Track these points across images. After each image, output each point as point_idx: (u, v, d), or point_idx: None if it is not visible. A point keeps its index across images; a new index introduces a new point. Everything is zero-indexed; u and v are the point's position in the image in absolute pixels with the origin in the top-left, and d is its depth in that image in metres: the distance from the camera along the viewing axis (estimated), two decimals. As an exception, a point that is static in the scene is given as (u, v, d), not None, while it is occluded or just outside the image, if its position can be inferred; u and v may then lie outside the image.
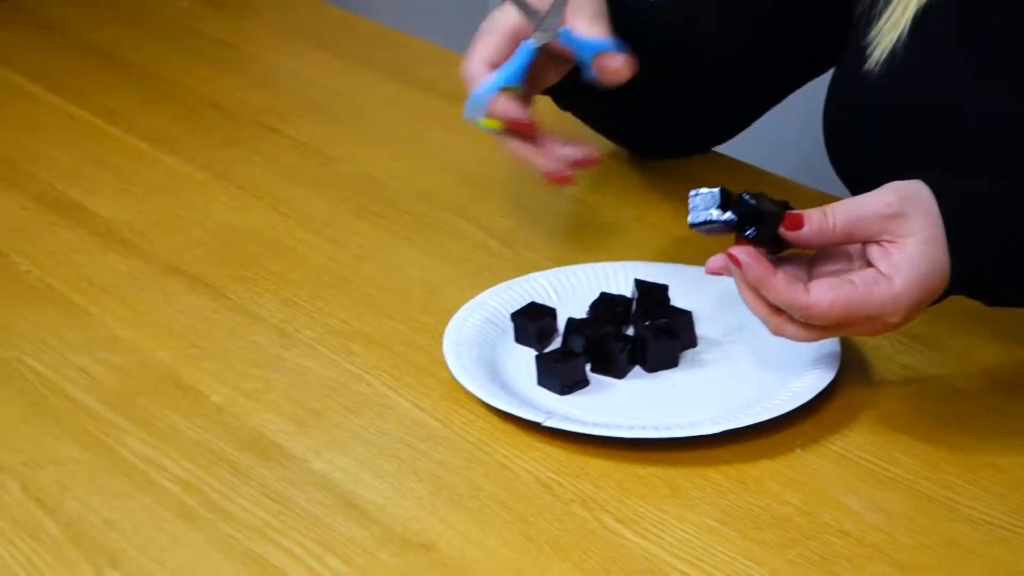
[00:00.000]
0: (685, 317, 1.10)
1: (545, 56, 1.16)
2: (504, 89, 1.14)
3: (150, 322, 1.15)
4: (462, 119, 1.48)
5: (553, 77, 1.19)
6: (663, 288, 1.12)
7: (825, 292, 0.97)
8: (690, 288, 1.14)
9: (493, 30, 1.16)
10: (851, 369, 1.07)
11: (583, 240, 1.26)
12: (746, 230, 0.98)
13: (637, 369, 1.07)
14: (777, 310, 0.99)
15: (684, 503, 0.96)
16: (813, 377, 1.03)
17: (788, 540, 0.92)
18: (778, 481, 0.97)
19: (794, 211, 0.98)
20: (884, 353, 1.09)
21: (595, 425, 1.00)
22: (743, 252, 0.98)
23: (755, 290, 0.99)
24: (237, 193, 1.35)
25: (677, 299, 1.12)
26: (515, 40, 1.15)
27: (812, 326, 0.99)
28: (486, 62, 1.15)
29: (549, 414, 1.01)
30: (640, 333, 1.08)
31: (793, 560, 0.91)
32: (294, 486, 0.97)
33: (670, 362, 1.07)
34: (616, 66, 1.13)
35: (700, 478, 0.98)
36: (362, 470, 0.99)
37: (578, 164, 1.16)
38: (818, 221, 0.98)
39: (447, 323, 1.11)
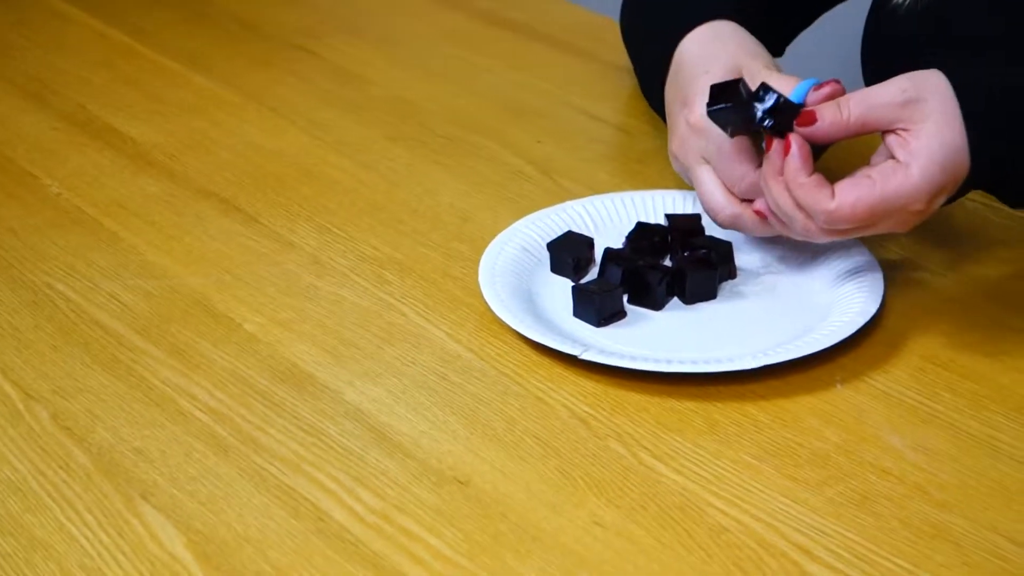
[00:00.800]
0: (724, 247, 1.08)
1: None
2: None
3: (182, 247, 1.14)
4: (495, 41, 1.46)
5: None
6: (696, 218, 1.10)
7: (848, 193, 0.97)
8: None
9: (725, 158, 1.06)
10: (894, 303, 1.05)
11: (621, 167, 1.24)
12: (764, 120, 0.99)
13: (675, 301, 1.05)
14: (803, 211, 0.99)
15: (721, 439, 0.94)
16: (855, 311, 1.01)
17: (827, 477, 0.91)
18: (818, 417, 0.96)
19: (808, 107, 0.99)
20: (928, 286, 1.07)
21: (632, 359, 0.98)
22: (796, 139, 0.98)
23: (784, 183, 0.99)
24: (269, 115, 1.33)
25: (714, 227, 1.10)
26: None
27: (838, 232, 0.99)
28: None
29: (586, 347, 0.99)
30: (678, 264, 1.06)
31: (832, 498, 0.89)
32: (327, 418, 0.96)
33: (709, 294, 1.05)
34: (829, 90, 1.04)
35: (738, 413, 0.96)
36: (396, 402, 0.97)
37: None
38: (831, 114, 0.98)
39: (482, 251, 1.10)
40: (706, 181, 1.06)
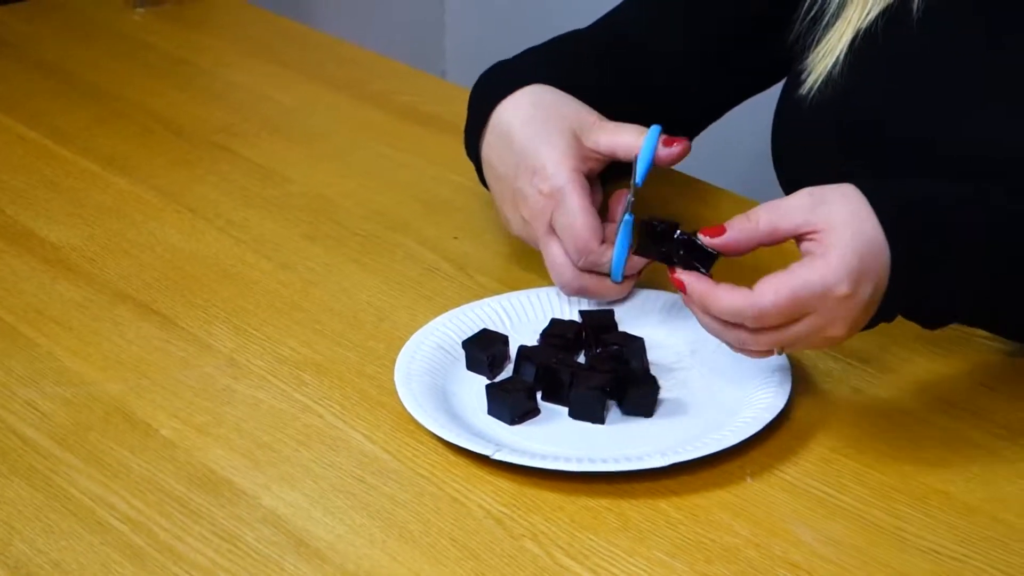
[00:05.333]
0: (636, 343, 1.09)
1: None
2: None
3: (100, 353, 1.15)
4: (413, 136, 1.48)
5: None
6: (609, 313, 1.12)
7: (767, 284, 0.98)
8: (642, 311, 1.14)
9: (581, 222, 1.12)
10: (802, 395, 1.07)
11: (535, 262, 1.25)
12: (678, 252, 1.02)
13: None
14: (732, 324, 1.00)
15: (635, 536, 0.95)
16: (763, 407, 1.03)
17: (738, 573, 0.92)
18: (728, 512, 0.97)
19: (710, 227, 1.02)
20: (835, 377, 1.09)
21: (543, 458, 0.99)
22: (684, 274, 1.01)
23: (705, 309, 1.00)
24: (188, 216, 1.34)
25: (628, 323, 1.12)
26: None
27: (769, 330, 0.99)
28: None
29: (499, 446, 1.01)
30: (621, 378, 1.06)
31: (743, 594, 0.91)
32: (244, 524, 0.97)
33: (647, 410, 1.05)
34: (680, 149, 1.13)
35: (650, 509, 0.98)
36: (313, 506, 0.98)
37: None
38: (739, 222, 1.00)
39: (398, 349, 1.11)
40: (557, 255, 1.13)
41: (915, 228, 1.00)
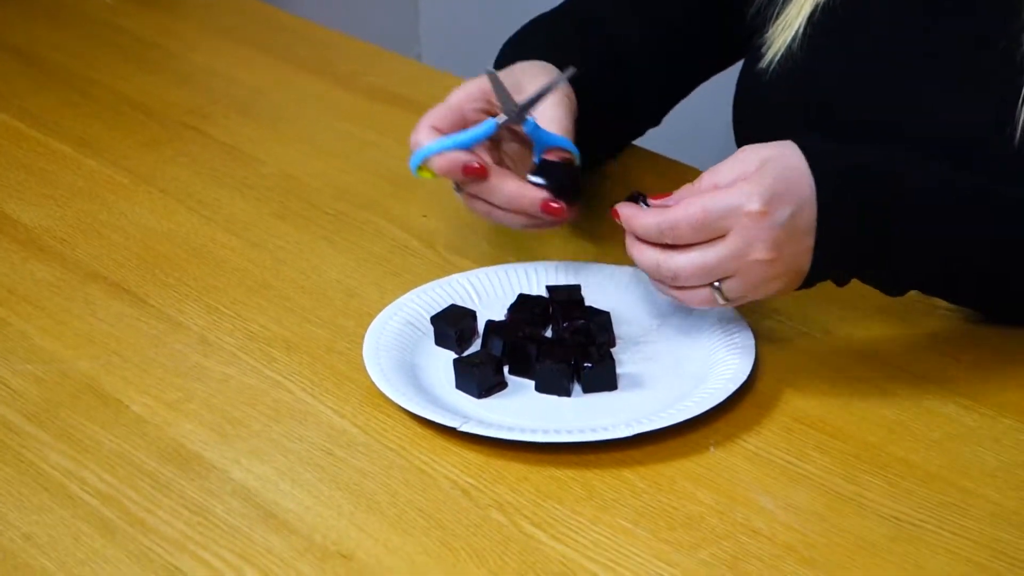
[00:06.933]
0: (603, 317, 1.11)
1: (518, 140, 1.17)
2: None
3: (71, 331, 1.15)
4: (383, 116, 1.49)
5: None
6: (576, 288, 1.13)
7: (680, 200, 1.03)
8: (609, 285, 1.16)
9: (447, 101, 1.16)
10: (765, 366, 1.08)
11: (504, 240, 1.27)
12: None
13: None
14: (661, 247, 1.03)
15: (599, 504, 0.97)
16: (727, 378, 1.05)
17: (701, 540, 0.94)
18: (692, 480, 0.99)
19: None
20: (797, 348, 1.11)
21: (510, 429, 1.01)
22: (620, 205, 1.06)
23: (632, 230, 1.04)
24: (159, 196, 1.35)
25: (595, 297, 1.13)
26: (460, 114, 1.15)
27: (690, 249, 1.02)
28: (431, 128, 1.15)
29: (466, 419, 1.02)
30: (578, 357, 1.07)
31: (705, 560, 0.92)
32: (213, 497, 0.98)
33: (609, 385, 1.07)
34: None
35: (615, 479, 0.99)
36: (281, 479, 0.99)
37: (546, 208, 1.13)
38: (684, 188, 1.05)
39: (367, 325, 1.12)
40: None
41: (842, 166, 1.03)
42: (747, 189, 1.01)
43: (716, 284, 1.03)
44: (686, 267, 1.03)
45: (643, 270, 1.06)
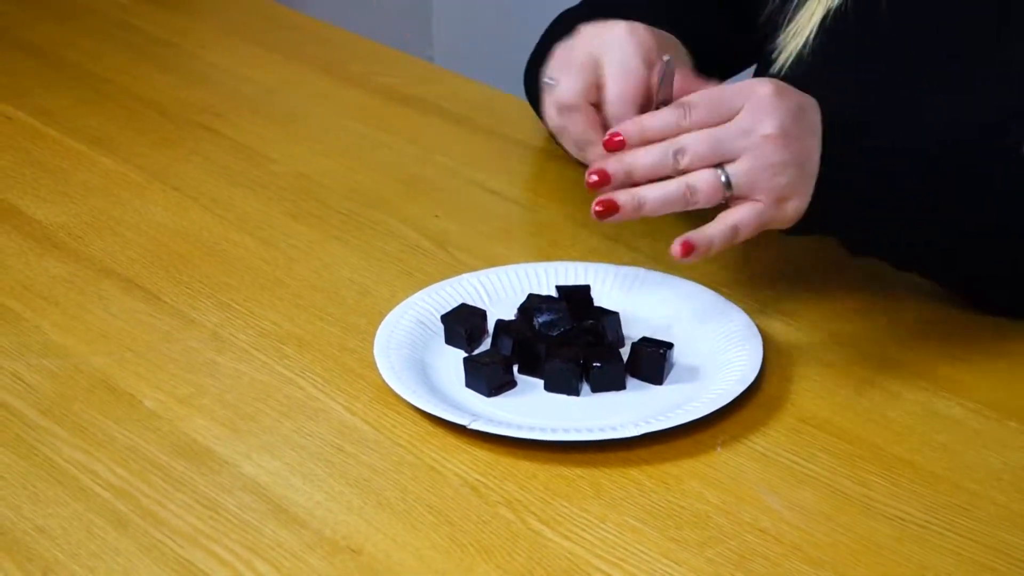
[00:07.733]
0: (612, 317, 1.12)
1: None
2: None
3: (85, 327, 1.17)
4: (395, 116, 1.50)
5: None
6: (585, 289, 1.14)
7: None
8: (618, 286, 1.16)
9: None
10: (772, 368, 1.09)
11: (515, 240, 1.28)
12: None
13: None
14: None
15: (607, 503, 0.98)
16: (734, 379, 1.06)
17: (707, 539, 0.95)
18: (699, 480, 1.00)
19: None
20: (804, 350, 1.12)
21: (519, 428, 1.02)
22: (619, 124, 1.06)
23: (643, 131, 1.05)
24: (173, 194, 1.36)
25: (605, 298, 1.14)
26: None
27: (702, 129, 1.03)
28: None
29: (475, 416, 1.03)
30: (587, 357, 1.07)
31: (712, 559, 0.93)
32: (225, 491, 0.99)
33: (617, 384, 1.07)
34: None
35: (623, 478, 1.00)
36: (292, 474, 1.00)
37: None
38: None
39: (379, 323, 1.13)
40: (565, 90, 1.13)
41: (849, 117, 1.06)
42: (759, 79, 1.05)
43: (724, 175, 1.04)
44: (695, 138, 1.04)
45: (649, 168, 1.05)
